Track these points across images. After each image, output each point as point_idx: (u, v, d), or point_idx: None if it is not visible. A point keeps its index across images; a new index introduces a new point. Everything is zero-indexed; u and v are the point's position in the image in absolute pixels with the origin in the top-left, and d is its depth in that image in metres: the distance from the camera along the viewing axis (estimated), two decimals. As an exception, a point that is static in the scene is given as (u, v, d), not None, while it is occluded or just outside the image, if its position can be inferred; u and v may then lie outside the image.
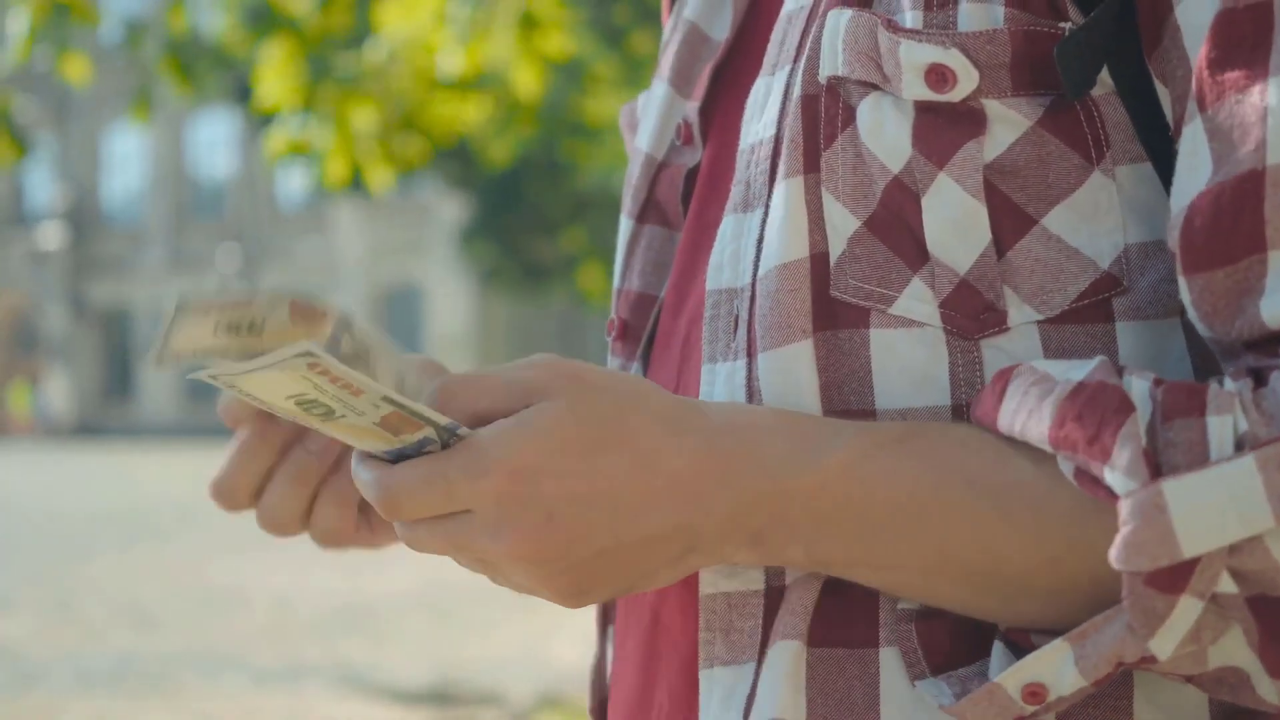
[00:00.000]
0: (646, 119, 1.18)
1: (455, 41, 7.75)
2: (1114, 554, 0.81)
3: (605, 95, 16.80)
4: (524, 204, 27.57)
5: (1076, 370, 0.87)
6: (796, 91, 0.98)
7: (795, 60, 0.99)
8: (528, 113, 10.12)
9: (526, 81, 7.90)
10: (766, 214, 0.98)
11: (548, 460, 0.86)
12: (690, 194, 1.12)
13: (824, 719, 0.93)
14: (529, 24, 7.72)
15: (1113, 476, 0.82)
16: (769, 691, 0.94)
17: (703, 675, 0.98)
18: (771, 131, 0.99)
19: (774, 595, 0.96)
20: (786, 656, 0.94)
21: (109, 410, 52.37)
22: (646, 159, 1.17)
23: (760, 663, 0.95)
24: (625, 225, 1.18)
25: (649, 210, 1.16)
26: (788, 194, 0.96)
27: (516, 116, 10.29)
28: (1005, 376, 0.89)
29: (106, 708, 8.18)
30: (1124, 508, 0.81)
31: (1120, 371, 0.86)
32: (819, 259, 0.95)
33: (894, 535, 0.89)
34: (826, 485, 0.89)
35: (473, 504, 0.87)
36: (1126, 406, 0.83)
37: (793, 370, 0.95)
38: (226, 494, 1.10)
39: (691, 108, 1.13)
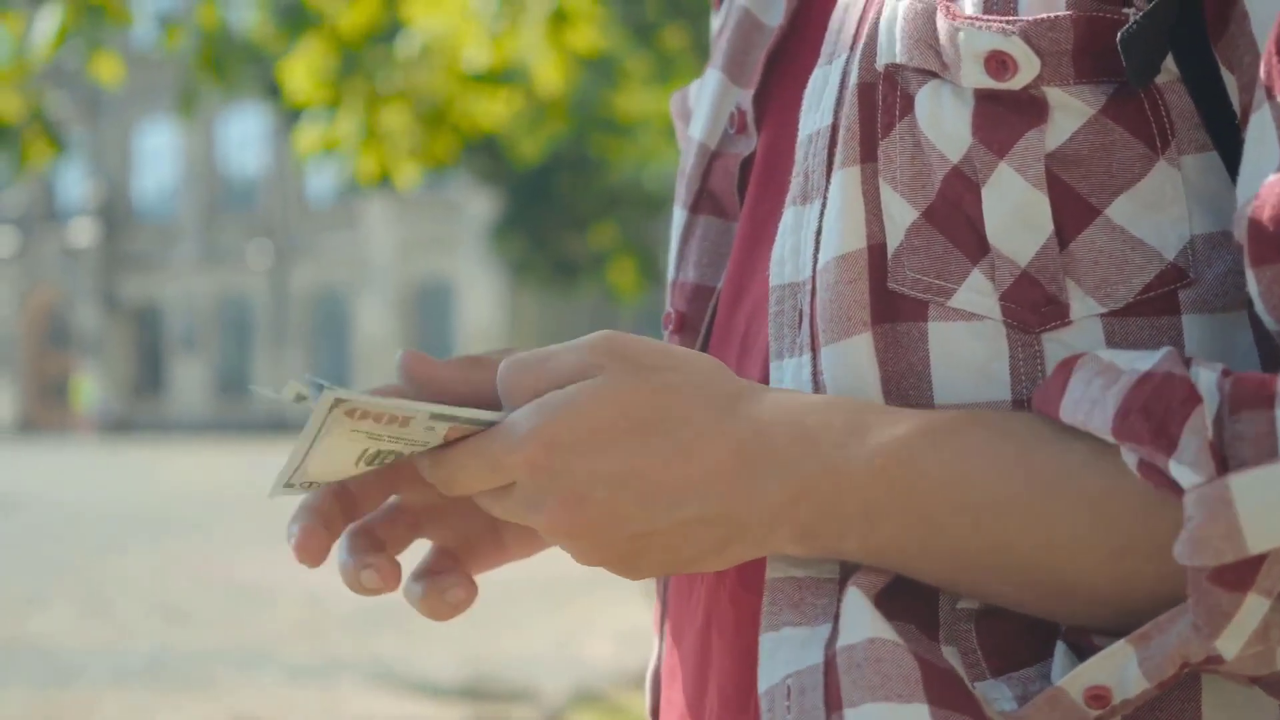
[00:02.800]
0: (699, 107, 1.16)
1: (484, 36, 7.76)
2: (1179, 549, 0.79)
3: (636, 91, 16.81)
4: (554, 199, 27.59)
5: (1143, 360, 0.84)
6: (853, 80, 0.96)
7: (852, 48, 0.97)
8: (558, 108, 10.12)
9: (550, 77, 7.89)
10: (824, 205, 0.96)
11: (581, 437, 0.87)
12: (746, 183, 1.10)
13: (917, 655, 0.89)
14: (559, 19, 7.71)
15: (1178, 470, 0.79)
16: (857, 619, 0.90)
17: (765, 639, 0.94)
18: (829, 120, 0.97)
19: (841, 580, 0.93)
20: (865, 601, 0.90)
21: (140, 406, 52.54)
22: (700, 148, 1.14)
23: (836, 624, 0.91)
24: (679, 215, 1.16)
25: (703, 200, 1.14)
26: (844, 184, 0.94)
27: (547, 112, 10.30)
28: (1069, 366, 0.87)
29: (141, 702, 8.19)
30: (1189, 502, 0.79)
31: (1188, 362, 0.83)
32: (877, 250, 0.93)
33: (951, 525, 0.87)
34: (883, 471, 0.87)
35: (514, 476, 0.88)
36: (1193, 398, 0.80)
37: (854, 364, 0.93)
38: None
39: (745, 96, 1.11)
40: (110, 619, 10.97)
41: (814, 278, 0.96)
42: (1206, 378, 0.81)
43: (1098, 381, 0.84)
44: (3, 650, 9.68)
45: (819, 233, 0.96)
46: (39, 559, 14.49)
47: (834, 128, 0.96)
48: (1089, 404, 0.84)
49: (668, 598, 1.11)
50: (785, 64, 1.08)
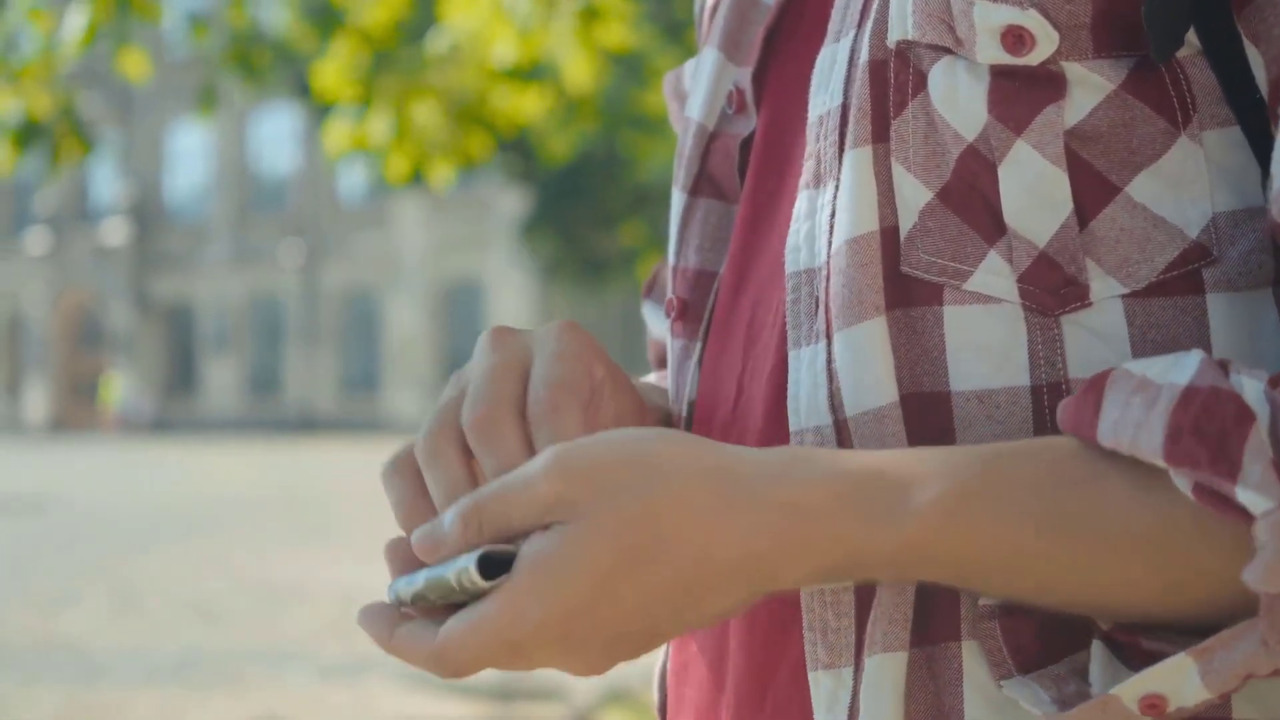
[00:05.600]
0: (697, 87, 1.13)
1: (515, 33, 7.75)
2: (1250, 576, 0.75)
3: (665, 89, 16.77)
4: (584, 197, 27.61)
5: (1177, 371, 0.80)
6: (863, 57, 0.92)
7: (860, 25, 0.94)
8: (588, 106, 10.11)
9: (579, 74, 7.87)
10: (838, 188, 0.93)
11: (592, 596, 0.81)
12: (746, 165, 1.07)
13: None
14: (590, 15, 7.70)
15: (1245, 495, 0.75)
16: (873, 707, 0.89)
17: (810, 677, 0.92)
18: (839, 101, 0.94)
19: (864, 590, 0.90)
20: (889, 669, 0.88)
21: (172, 405, 52.75)
22: (698, 129, 1.11)
23: (858, 668, 0.90)
24: (678, 199, 1.12)
25: (702, 183, 1.11)
26: (856, 165, 0.91)
27: (577, 110, 10.27)
28: (1100, 385, 0.82)
29: (172, 701, 8.21)
30: (1262, 529, 0.75)
31: (1225, 369, 0.79)
32: (889, 233, 0.90)
33: (989, 577, 0.82)
34: (911, 545, 0.81)
35: (536, 654, 0.83)
36: (1246, 415, 0.76)
37: (866, 350, 0.89)
38: None
39: (743, 74, 1.08)
40: (141, 618, 10.99)
41: (828, 263, 0.93)
42: (1253, 389, 0.78)
43: (1137, 400, 0.80)
44: (34, 649, 9.71)
45: (833, 216, 0.93)
46: (70, 558, 14.53)
47: (844, 108, 0.93)
48: (1132, 427, 0.79)
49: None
50: (783, 41, 1.05)
